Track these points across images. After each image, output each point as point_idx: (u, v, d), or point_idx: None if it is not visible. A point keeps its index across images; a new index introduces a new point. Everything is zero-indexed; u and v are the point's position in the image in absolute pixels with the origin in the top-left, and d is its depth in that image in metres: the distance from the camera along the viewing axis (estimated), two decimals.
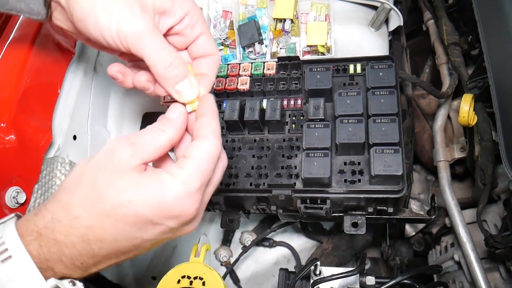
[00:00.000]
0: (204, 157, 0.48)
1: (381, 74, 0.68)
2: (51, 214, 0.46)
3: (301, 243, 0.94)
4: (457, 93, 0.98)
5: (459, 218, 0.87)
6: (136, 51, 0.50)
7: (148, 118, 0.87)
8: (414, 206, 1.18)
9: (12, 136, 0.64)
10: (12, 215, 0.49)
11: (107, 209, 0.45)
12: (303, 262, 0.94)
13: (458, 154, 0.93)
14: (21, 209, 0.66)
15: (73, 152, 0.78)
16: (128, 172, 0.46)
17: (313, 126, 0.66)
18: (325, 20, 0.78)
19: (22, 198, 0.66)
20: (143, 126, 0.86)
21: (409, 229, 1.14)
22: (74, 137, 0.79)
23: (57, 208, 0.46)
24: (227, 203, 0.71)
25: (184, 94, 0.52)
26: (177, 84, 0.52)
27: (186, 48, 0.57)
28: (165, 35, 0.54)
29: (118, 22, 0.50)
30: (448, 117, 1.01)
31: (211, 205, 0.72)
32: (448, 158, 0.93)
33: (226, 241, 0.94)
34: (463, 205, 0.94)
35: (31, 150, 0.68)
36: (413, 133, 0.98)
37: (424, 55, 1.25)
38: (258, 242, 0.92)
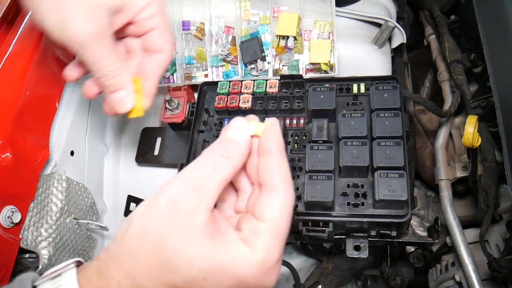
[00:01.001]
0: (280, 219, 0.41)
1: (385, 95, 0.66)
2: (117, 283, 0.39)
3: (301, 262, 0.93)
4: (459, 110, 0.97)
5: (460, 239, 0.86)
6: (80, 56, 0.50)
7: (147, 133, 0.85)
8: (414, 222, 1.17)
9: (8, 154, 0.63)
10: (72, 265, 0.42)
11: (177, 282, 0.39)
12: (303, 281, 0.92)
13: (460, 173, 0.92)
14: (16, 228, 0.65)
15: (70, 168, 0.76)
16: (198, 236, 0.39)
17: (316, 147, 0.64)
18: (329, 38, 0.78)
19: (17, 217, 0.64)
20: (142, 141, 0.85)
21: (409, 246, 1.12)
22: (72, 153, 0.77)
23: (122, 276, 0.39)
24: None
25: (117, 104, 0.53)
26: (112, 93, 0.52)
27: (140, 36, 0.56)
28: (121, 27, 0.54)
29: (63, 27, 0.48)
30: (450, 134, 1.00)
31: None
32: (450, 177, 0.92)
33: None
34: (465, 223, 0.93)
35: (27, 168, 0.67)
36: (414, 151, 0.97)
37: (424, 68, 1.25)
38: None
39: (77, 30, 0.48)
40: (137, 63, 0.58)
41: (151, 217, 0.40)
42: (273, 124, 0.45)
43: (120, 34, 0.56)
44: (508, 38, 0.65)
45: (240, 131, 0.44)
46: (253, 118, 0.47)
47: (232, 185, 0.49)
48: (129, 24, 0.55)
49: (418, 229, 1.16)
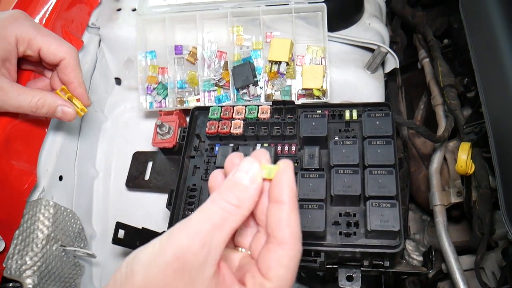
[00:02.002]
0: (286, 277, 0.40)
1: (377, 122, 0.66)
2: None
3: None
4: (453, 134, 0.97)
5: (456, 266, 0.84)
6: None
7: (138, 157, 0.84)
8: (409, 246, 1.15)
9: None
10: None
11: None
12: None
13: (454, 199, 0.91)
14: None
15: (59, 193, 0.75)
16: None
17: (307, 176, 0.63)
18: (321, 63, 0.77)
19: (1, 246, 0.63)
20: (132, 165, 0.84)
21: None
22: (60, 178, 0.76)
23: None
24: None
25: (64, 118, 0.63)
26: (54, 113, 0.61)
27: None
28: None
29: None
30: (444, 158, 0.99)
31: None
32: (444, 203, 0.91)
33: None
34: (460, 249, 0.92)
35: (13, 194, 0.65)
36: (409, 176, 0.96)
37: (418, 89, 1.24)
38: None
39: None
40: (49, 81, 0.67)
41: (156, 270, 0.38)
42: (286, 169, 0.41)
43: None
44: (499, 65, 0.64)
45: (251, 176, 0.40)
46: (263, 154, 0.43)
47: None
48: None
49: (413, 253, 1.14)
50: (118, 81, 0.94)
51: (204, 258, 0.38)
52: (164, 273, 0.37)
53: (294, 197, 0.41)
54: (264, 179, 0.41)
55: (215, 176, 0.46)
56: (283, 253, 0.40)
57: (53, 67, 0.66)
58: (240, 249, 0.46)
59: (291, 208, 0.40)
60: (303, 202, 0.62)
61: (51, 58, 0.63)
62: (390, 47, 0.86)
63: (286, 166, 0.41)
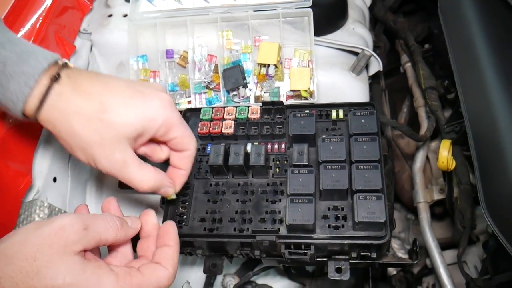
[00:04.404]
0: (154, 284, 0.52)
1: (363, 121, 0.69)
2: None
3: (284, 286, 0.93)
4: (435, 135, 1.01)
5: (439, 260, 0.88)
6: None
7: None
8: (394, 244, 1.18)
9: None
10: None
11: None
12: None
13: (437, 196, 0.95)
14: None
15: (53, 194, 0.76)
16: (72, 256, 0.47)
17: (297, 171, 0.66)
18: (308, 66, 0.81)
19: None
20: None
21: (391, 268, 1.14)
22: (54, 179, 0.77)
23: None
24: (210, 248, 0.70)
25: (162, 195, 0.66)
26: (155, 191, 0.63)
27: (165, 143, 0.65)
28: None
29: (94, 165, 0.59)
30: (427, 158, 1.03)
31: (193, 250, 0.70)
32: (427, 200, 0.95)
33: (208, 285, 0.92)
34: (444, 245, 0.95)
35: (9, 195, 0.67)
36: (393, 174, 1.00)
37: (402, 93, 1.29)
38: (241, 286, 0.91)
39: (105, 167, 0.58)
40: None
41: (37, 233, 0.47)
42: (170, 224, 0.60)
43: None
44: (476, 66, 0.68)
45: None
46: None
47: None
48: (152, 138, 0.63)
49: (399, 251, 1.18)
50: None
51: (80, 237, 0.48)
52: (42, 238, 0.47)
53: (178, 243, 0.58)
54: None
55: (109, 201, 0.61)
56: (162, 272, 0.55)
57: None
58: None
59: (176, 250, 0.57)
60: (293, 197, 0.64)
61: (178, 146, 0.64)
62: (374, 51, 0.89)
63: (169, 222, 0.60)
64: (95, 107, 0.56)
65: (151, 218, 0.61)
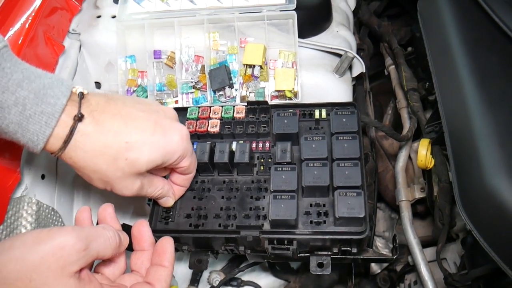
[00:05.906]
0: None
1: (344, 120, 0.71)
2: None
3: (269, 283, 0.95)
4: (417, 135, 1.04)
5: (420, 257, 0.90)
6: None
7: None
8: (379, 243, 1.21)
9: None
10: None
11: None
12: None
13: (418, 194, 0.97)
14: None
15: (41, 191, 0.77)
16: (68, 279, 0.47)
17: (280, 169, 0.68)
18: (293, 67, 0.83)
19: None
20: None
21: (375, 267, 1.16)
22: (43, 176, 0.78)
23: None
24: (195, 244, 0.72)
25: (163, 204, 0.70)
26: (157, 199, 0.69)
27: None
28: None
29: (114, 190, 0.62)
30: (409, 157, 1.05)
31: (179, 246, 0.72)
32: (409, 198, 0.97)
33: (194, 281, 0.94)
34: (425, 243, 0.97)
35: None
36: (376, 173, 1.02)
37: (388, 96, 1.32)
38: (226, 282, 0.92)
39: (123, 194, 0.62)
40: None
41: (36, 251, 0.47)
42: (167, 241, 0.61)
43: None
44: (452, 67, 0.71)
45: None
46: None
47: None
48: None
49: (383, 250, 1.20)
50: (98, 85, 0.97)
51: (79, 258, 0.49)
52: (40, 258, 0.46)
53: (173, 264, 0.60)
54: None
55: (104, 209, 0.62)
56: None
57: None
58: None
59: (170, 271, 0.59)
60: (276, 193, 0.66)
61: (185, 171, 0.68)
62: (358, 53, 0.92)
63: (167, 239, 0.61)
64: (120, 147, 0.57)
65: (144, 229, 0.63)
